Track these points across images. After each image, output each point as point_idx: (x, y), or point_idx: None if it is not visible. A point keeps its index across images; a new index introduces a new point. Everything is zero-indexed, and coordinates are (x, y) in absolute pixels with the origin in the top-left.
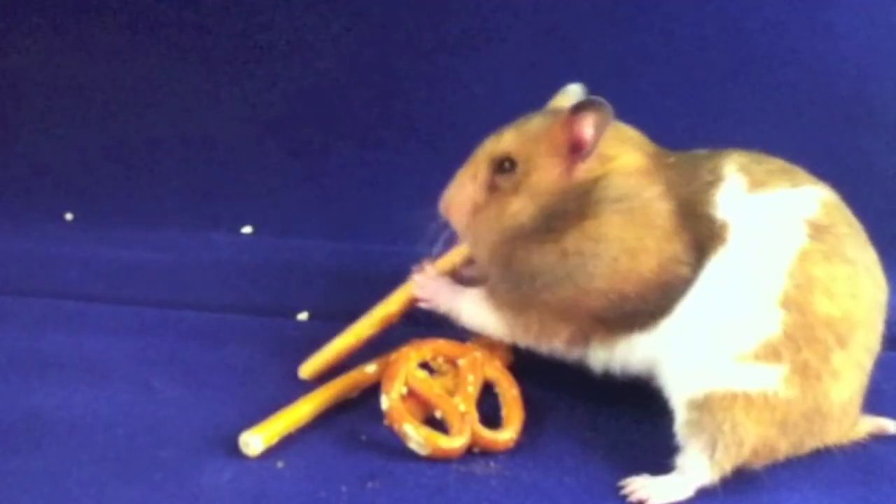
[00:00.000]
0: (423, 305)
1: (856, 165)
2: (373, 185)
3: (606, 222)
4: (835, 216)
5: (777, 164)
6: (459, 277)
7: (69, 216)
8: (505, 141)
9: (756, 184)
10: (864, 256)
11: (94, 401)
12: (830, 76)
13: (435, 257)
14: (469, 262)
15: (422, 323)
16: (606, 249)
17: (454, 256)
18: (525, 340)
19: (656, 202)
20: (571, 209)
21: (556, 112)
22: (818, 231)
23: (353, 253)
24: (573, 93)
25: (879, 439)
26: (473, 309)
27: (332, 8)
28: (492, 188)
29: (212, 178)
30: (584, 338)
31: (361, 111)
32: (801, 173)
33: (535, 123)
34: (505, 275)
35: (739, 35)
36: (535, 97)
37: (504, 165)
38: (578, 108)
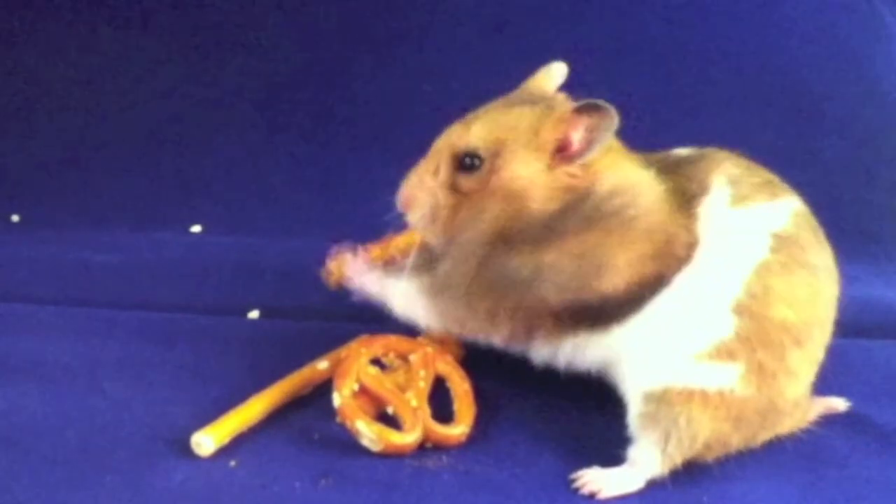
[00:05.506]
0: (351, 288)
1: (801, 157)
2: (320, 181)
3: (587, 239)
4: (801, 225)
5: (763, 175)
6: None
7: (15, 218)
8: (472, 133)
9: (739, 198)
10: (825, 258)
11: (44, 404)
12: (777, 69)
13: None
14: (406, 253)
15: (372, 320)
16: (580, 266)
17: (389, 247)
18: (460, 333)
19: (640, 220)
20: (554, 222)
21: (544, 102)
22: (782, 243)
23: (302, 250)
24: (556, 71)
25: (826, 426)
26: (404, 298)
27: (285, 3)
28: (454, 188)
29: (159, 178)
30: (526, 336)
31: (309, 108)
32: (780, 184)
33: (514, 114)
34: (476, 275)
35: (686, 29)
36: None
37: (466, 162)
38: (582, 110)
